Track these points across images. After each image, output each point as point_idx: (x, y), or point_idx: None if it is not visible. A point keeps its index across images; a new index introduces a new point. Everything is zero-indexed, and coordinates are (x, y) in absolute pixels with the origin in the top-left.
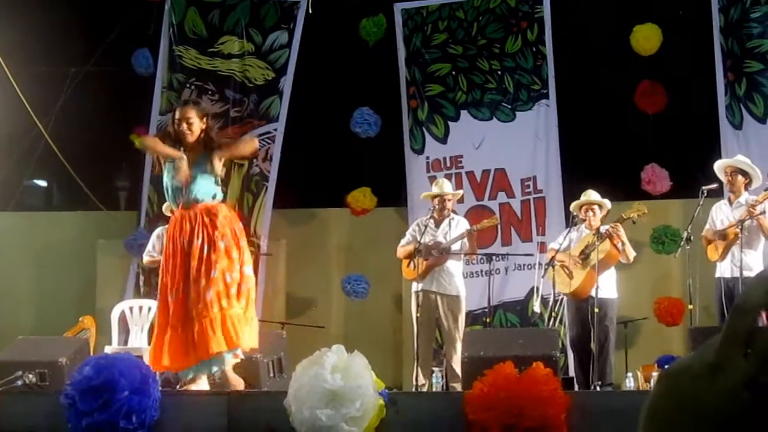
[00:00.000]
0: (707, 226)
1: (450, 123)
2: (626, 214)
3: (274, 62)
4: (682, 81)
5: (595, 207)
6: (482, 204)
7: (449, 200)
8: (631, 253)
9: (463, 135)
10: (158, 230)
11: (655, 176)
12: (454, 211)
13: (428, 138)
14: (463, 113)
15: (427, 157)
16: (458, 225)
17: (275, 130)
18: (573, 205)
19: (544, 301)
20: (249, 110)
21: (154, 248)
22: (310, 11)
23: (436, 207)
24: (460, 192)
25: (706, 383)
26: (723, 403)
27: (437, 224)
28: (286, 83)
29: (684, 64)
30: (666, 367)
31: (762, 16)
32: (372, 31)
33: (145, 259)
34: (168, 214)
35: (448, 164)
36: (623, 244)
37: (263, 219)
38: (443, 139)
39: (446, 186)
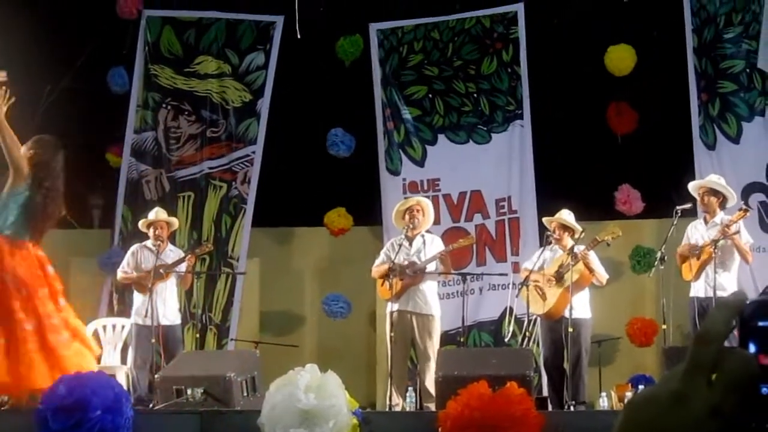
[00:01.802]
0: (682, 244)
1: (427, 146)
2: (600, 236)
3: (251, 84)
4: (655, 101)
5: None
6: (458, 226)
7: (418, 211)
8: (603, 277)
9: (440, 158)
10: (134, 247)
11: (629, 197)
12: (428, 231)
13: (405, 160)
14: (441, 137)
15: (404, 179)
16: (432, 242)
17: (253, 152)
18: (545, 220)
19: (518, 321)
20: (227, 132)
21: (128, 265)
22: (299, 36)
23: (408, 225)
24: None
25: (671, 413)
26: None
27: (411, 242)
28: (264, 105)
29: (658, 84)
30: (631, 396)
31: (735, 37)
32: (349, 51)
33: (119, 275)
34: (144, 230)
35: (425, 187)
36: (592, 271)
37: (241, 241)
38: (421, 162)
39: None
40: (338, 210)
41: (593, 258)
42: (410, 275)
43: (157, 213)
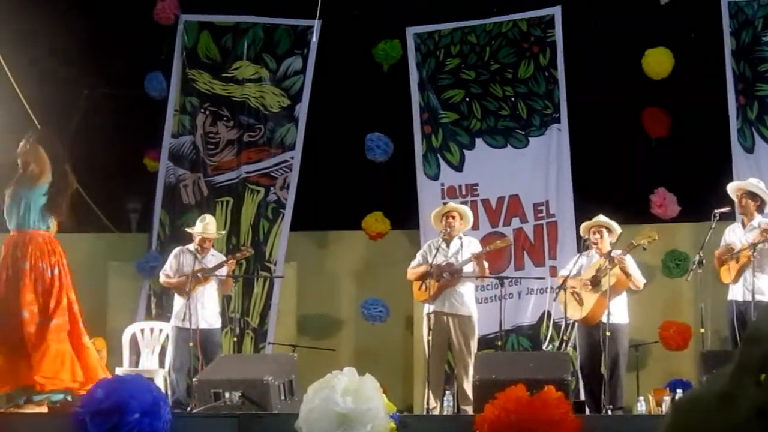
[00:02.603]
0: (721, 247)
1: (465, 151)
2: (636, 240)
3: (288, 89)
4: (693, 104)
5: (603, 230)
6: (497, 230)
7: (454, 217)
8: (640, 281)
9: (478, 162)
10: (176, 251)
11: (665, 200)
12: (466, 234)
13: (443, 165)
14: (478, 141)
15: (442, 184)
16: (470, 244)
17: (292, 158)
18: (582, 227)
19: (556, 326)
20: (265, 138)
21: (170, 268)
22: (314, 40)
23: (446, 229)
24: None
25: (717, 414)
26: None
27: (448, 244)
28: (302, 110)
29: (695, 87)
30: (676, 398)
31: None
32: (390, 55)
33: (161, 278)
34: (190, 231)
35: (464, 192)
36: (629, 275)
37: (279, 245)
38: (459, 167)
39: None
40: (375, 214)
41: (630, 262)
42: (447, 277)
43: (206, 226)
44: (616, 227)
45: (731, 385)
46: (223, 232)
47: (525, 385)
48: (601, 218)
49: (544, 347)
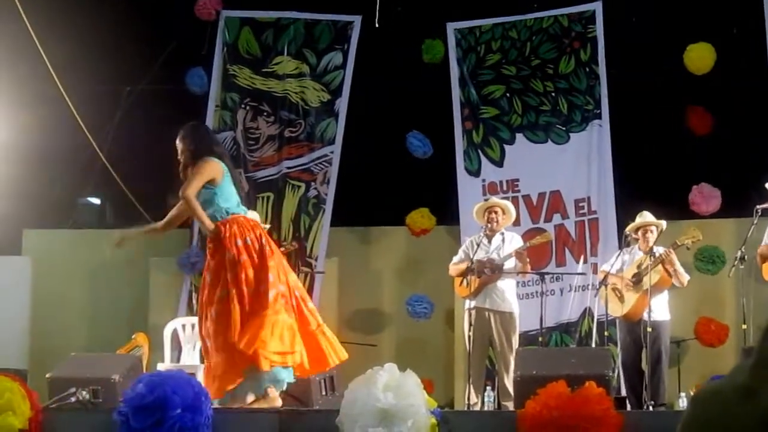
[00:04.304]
0: (763, 244)
1: (506, 146)
2: (680, 240)
3: (329, 83)
4: (735, 99)
5: (652, 227)
6: (538, 226)
7: (496, 212)
8: (685, 278)
9: (519, 158)
10: None
11: (702, 197)
12: (508, 230)
13: (484, 160)
14: (519, 136)
15: (483, 180)
16: (512, 240)
17: (332, 152)
18: (629, 228)
19: (598, 324)
20: (305, 133)
21: None
22: (377, 25)
23: (488, 225)
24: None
25: (738, 407)
26: (755, 427)
27: (490, 239)
28: (342, 105)
29: (738, 82)
30: (696, 390)
31: None
32: (436, 55)
33: None
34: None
35: (505, 188)
36: (675, 271)
37: (320, 240)
38: (499, 162)
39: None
40: (421, 210)
41: (675, 259)
42: (488, 273)
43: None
44: (662, 223)
45: (751, 378)
46: (268, 225)
47: (566, 381)
48: (647, 218)
49: (584, 343)
